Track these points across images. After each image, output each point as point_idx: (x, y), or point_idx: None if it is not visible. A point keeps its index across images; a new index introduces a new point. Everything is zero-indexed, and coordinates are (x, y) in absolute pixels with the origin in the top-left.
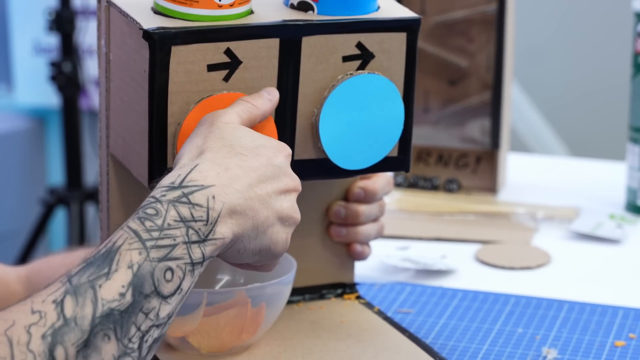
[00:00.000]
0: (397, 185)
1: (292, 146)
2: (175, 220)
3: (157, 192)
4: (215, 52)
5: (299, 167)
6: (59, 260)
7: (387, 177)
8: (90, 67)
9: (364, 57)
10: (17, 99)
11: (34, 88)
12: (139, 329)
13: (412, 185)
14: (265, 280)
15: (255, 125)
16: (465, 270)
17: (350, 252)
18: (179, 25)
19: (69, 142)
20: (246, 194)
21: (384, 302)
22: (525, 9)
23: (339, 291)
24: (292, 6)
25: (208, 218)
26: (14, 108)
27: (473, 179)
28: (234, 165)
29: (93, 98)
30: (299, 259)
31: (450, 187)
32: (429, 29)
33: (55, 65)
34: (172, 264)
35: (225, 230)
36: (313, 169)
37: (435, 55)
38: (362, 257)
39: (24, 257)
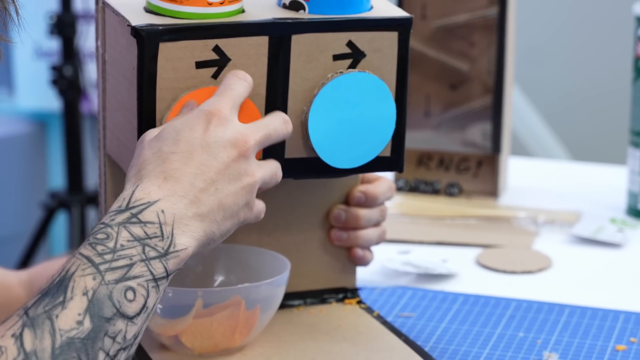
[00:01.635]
0: (398, 189)
1: (282, 145)
2: (129, 241)
3: (106, 218)
4: (203, 49)
5: (290, 166)
6: (61, 263)
7: (388, 182)
8: (92, 71)
9: (354, 56)
10: (18, 103)
11: (35, 92)
12: (107, 354)
13: (413, 189)
14: (259, 282)
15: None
16: (467, 275)
17: (352, 257)
18: (167, 22)
19: (70, 146)
20: (193, 196)
21: (385, 306)
22: (526, 14)
23: (340, 296)
24: (284, 5)
25: (163, 233)
26: (15, 112)
27: (474, 183)
28: (169, 170)
29: (94, 102)
30: (300, 263)
31: (451, 191)
32: (430, 33)
33: (56, 69)
34: (131, 283)
35: (185, 240)
36: (304, 167)
37: (436, 60)
38: (363, 262)
39: (25, 261)
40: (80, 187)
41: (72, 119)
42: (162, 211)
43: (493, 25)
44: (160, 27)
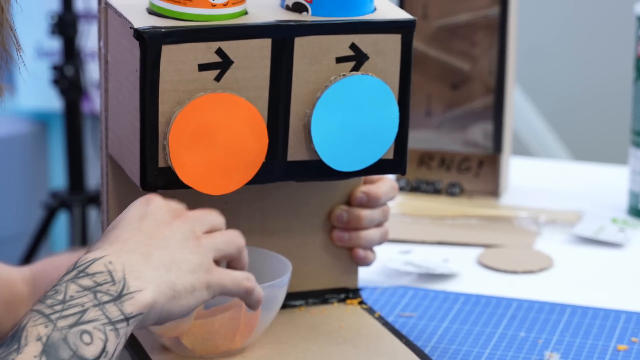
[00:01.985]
0: (400, 189)
1: (285, 147)
2: (78, 292)
3: (56, 282)
4: (206, 51)
5: (293, 168)
6: (63, 260)
7: (391, 182)
8: (93, 71)
9: (357, 59)
10: (19, 103)
11: (36, 92)
12: None
13: (415, 189)
14: (259, 283)
15: (245, 124)
16: (468, 274)
17: (353, 257)
18: (170, 24)
19: (71, 146)
20: (141, 250)
21: (386, 306)
22: (528, 14)
23: (342, 296)
24: (288, 7)
25: (113, 278)
26: (16, 112)
27: (475, 183)
28: (113, 237)
29: (95, 102)
30: (302, 263)
31: (452, 191)
32: (431, 32)
33: (57, 69)
34: (86, 327)
35: (140, 284)
36: (307, 170)
37: (438, 59)
38: (365, 262)
39: (26, 260)
40: (81, 187)
41: (73, 118)
42: (110, 262)
43: (494, 25)
44: (163, 30)
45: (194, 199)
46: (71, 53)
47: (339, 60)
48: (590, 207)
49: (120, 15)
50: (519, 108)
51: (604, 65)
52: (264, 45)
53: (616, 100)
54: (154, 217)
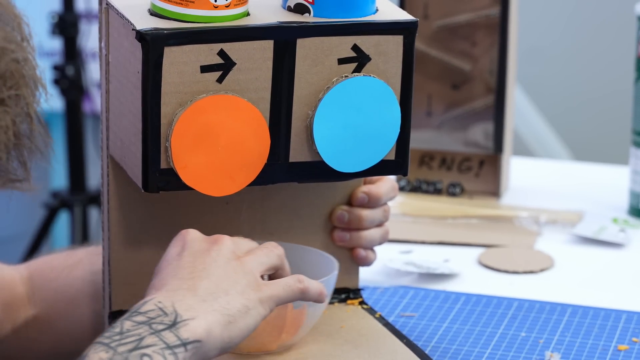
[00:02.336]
0: (400, 189)
1: (287, 148)
2: (133, 326)
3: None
4: (208, 53)
5: (295, 170)
6: (61, 260)
7: (391, 182)
8: (94, 71)
9: (359, 60)
10: None
11: None
12: None
13: (415, 189)
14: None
15: (248, 126)
16: (468, 274)
17: (354, 257)
18: (172, 26)
19: (72, 146)
20: (185, 286)
21: (387, 306)
22: (528, 14)
23: (343, 296)
24: (289, 8)
25: (165, 312)
26: None
27: (476, 183)
28: (156, 281)
29: (96, 102)
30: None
31: (453, 191)
32: (432, 32)
33: (58, 69)
34: (146, 350)
35: (192, 313)
36: (309, 171)
37: (439, 59)
38: (366, 262)
39: (27, 260)
40: (82, 187)
41: (74, 118)
42: (159, 302)
43: (495, 25)
44: (165, 31)
45: (195, 200)
46: (72, 53)
47: (341, 61)
48: (591, 207)
49: (121, 16)
50: (520, 108)
51: (605, 65)
52: (266, 47)
53: (617, 100)
54: (191, 249)
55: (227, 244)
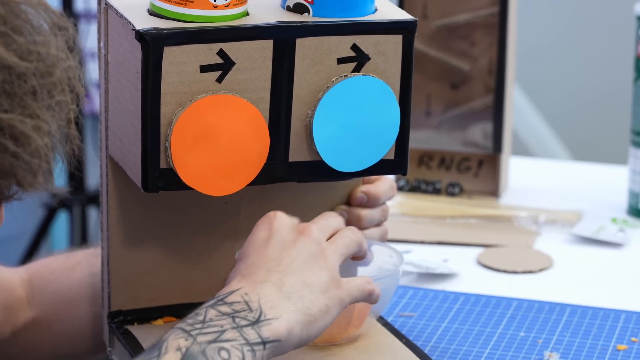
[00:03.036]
0: (399, 189)
1: (286, 148)
2: (217, 316)
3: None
4: (208, 53)
5: (294, 169)
6: (60, 263)
7: (390, 181)
8: (93, 71)
9: (359, 59)
10: None
11: None
12: None
13: (414, 189)
14: (371, 275)
15: (247, 126)
16: (467, 274)
17: (353, 257)
18: (171, 26)
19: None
20: (273, 279)
21: None
22: (527, 14)
23: None
24: (289, 8)
25: (250, 307)
26: None
27: (475, 183)
28: (245, 267)
29: (95, 101)
30: None
31: (452, 190)
32: (431, 32)
33: None
34: (225, 344)
35: (275, 313)
36: (308, 171)
37: (438, 59)
38: (364, 262)
39: (26, 260)
40: (82, 187)
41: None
42: (246, 294)
43: (494, 25)
44: (164, 31)
45: (195, 200)
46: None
47: (340, 61)
48: (590, 207)
49: (121, 16)
50: (519, 108)
51: (604, 65)
52: (266, 47)
53: (616, 100)
54: (279, 237)
55: (314, 235)
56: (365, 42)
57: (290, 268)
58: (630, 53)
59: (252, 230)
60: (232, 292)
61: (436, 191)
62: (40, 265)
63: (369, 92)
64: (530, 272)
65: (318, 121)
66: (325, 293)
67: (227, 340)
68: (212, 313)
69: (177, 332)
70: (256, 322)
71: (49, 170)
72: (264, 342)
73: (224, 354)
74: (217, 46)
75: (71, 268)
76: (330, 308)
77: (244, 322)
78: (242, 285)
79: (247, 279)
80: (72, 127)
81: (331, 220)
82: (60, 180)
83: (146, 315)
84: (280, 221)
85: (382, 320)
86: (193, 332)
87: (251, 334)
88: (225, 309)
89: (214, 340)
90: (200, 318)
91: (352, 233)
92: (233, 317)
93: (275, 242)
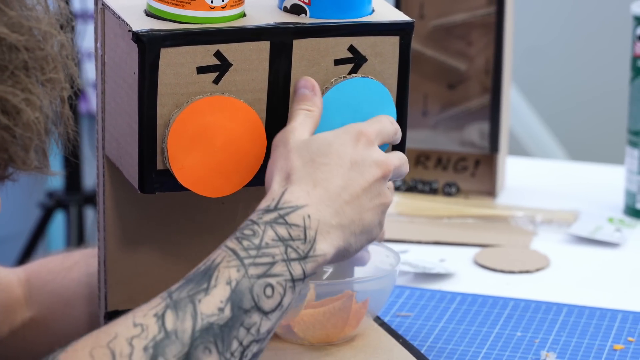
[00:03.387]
0: (396, 188)
1: None
2: (274, 240)
3: (254, 216)
4: (204, 54)
5: None
6: (57, 263)
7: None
8: (89, 71)
9: (356, 61)
10: None
11: None
12: (240, 343)
13: (411, 188)
14: (366, 276)
15: (244, 127)
16: (464, 274)
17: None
18: (168, 27)
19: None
20: (338, 206)
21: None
22: (524, 14)
23: None
24: (286, 9)
25: (306, 237)
26: None
27: (472, 183)
28: (320, 179)
29: (92, 101)
30: None
31: (449, 190)
32: (427, 32)
33: None
34: (271, 280)
35: (325, 247)
36: None
37: (434, 59)
38: (361, 262)
39: (23, 260)
40: (78, 187)
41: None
42: (309, 216)
43: (491, 25)
44: (161, 33)
45: (191, 201)
46: None
47: (337, 62)
48: (586, 207)
49: (117, 17)
50: (516, 108)
51: (601, 65)
52: (263, 48)
53: (613, 100)
54: (362, 168)
55: (388, 178)
56: (363, 44)
57: (357, 202)
58: (627, 53)
59: (334, 137)
60: (296, 209)
61: (433, 191)
62: (38, 265)
63: (366, 94)
64: (527, 272)
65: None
66: (369, 234)
67: (274, 275)
68: (269, 235)
69: (230, 257)
70: (304, 258)
71: (43, 150)
72: (305, 277)
73: (268, 291)
74: (213, 47)
75: (69, 268)
76: (362, 248)
77: (293, 255)
78: (308, 203)
79: (317, 192)
80: (66, 108)
81: (403, 159)
82: (55, 165)
83: None
84: (372, 150)
85: (378, 320)
86: (246, 261)
87: (297, 269)
88: (282, 231)
89: (264, 275)
90: (257, 242)
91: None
92: (286, 246)
93: (356, 172)
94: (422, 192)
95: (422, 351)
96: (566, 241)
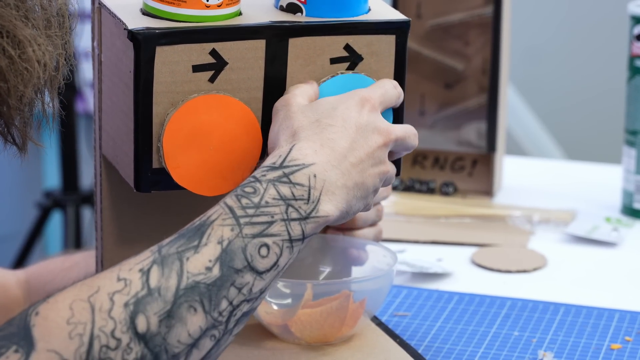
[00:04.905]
0: (393, 188)
1: None
2: (274, 199)
3: (257, 172)
4: (200, 52)
5: None
6: (58, 263)
7: None
8: (86, 70)
9: (352, 59)
10: None
11: None
12: (230, 303)
13: (408, 188)
14: (363, 275)
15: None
16: (461, 274)
17: (347, 257)
18: (164, 25)
19: (64, 146)
20: (344, 168)
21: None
22: (522, 13)
23: None
24: (282, 8)
25: (309, 197)
26: None
27: (469, 182)
28: (326, 139)
29: (89, 101)
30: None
31: (446, 190)
32: (425, 32)
33: None
34: (267, 240)
35: (329, 208)
36: None
37: (432, 59)
38: (358, 262)
39: (20, 260)
40: (75, 187)
41: (66, 118)
42: (314, 175)
43: (488, 24)
44: (157, 31)
45: (188, 199)
46: None
47: (333, 61)
48: (583, 206)
49: (114, 15)
50: (513, 107)
51: (598, 64)
52: (258, 47)
53: (610, 99)
54: (366, 133)
55: (389, 145)
56: (359, 42)
57: (361, 166)
58: (624, 52)
59: (343, 97)
60: (302, 168)
61: (430, 191)
62: (39, 266)
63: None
64: (524, 271)
65: None
66: (366, 199)
67: (271, 235)
68: (270, 194)
69: (226, 215)
70: (306, 218)
71: (32, 101)
72: (304, 238)
73: (263, 251)
74: (209, 46)
75: (68, 268)
76: (358, 212)
77: (294, 215)
78: (315, 161)
79: (324, 151)
80: (60, 76)
81: (410, 131)
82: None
83: None
84: (376, 116)
85: (376, 319)
86: (242, 220)
87: (296, 229)
88: (285, 190)
89: (259, 234)
90: (256, 200)
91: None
92: (287, 205)
93: (362, 137)
94: (419, 191)
95: (420, 351)
96: (563, 241)
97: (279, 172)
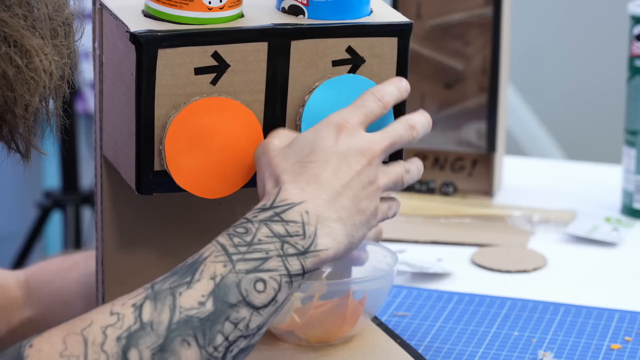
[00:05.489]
0: None
1: None
2: (268, 237)
3: (249, 214)
4: (202, 55)
5: None
6: (57, 264)
7: None
8: (86, 71)
9: (354, 62)
10: None
11: None
12: (226, 338)
13: (408, 188)
14: (364, 275)
15: (242, 128)
16: (461, 274)
17: (347, 257)
18: (166, 28)
19: (64, 146)
20: (335, 200)
21: None
22: (522, 14)
23: None
24: (284, 10)
25: (305, 232)
26: None
27: (469, 182)
28: (310, 176)
29: (89, 101)
30: None
31: (446, 190)
32: (425, 32)
33: None
34: (263, 275)
35: (327, 242)
36: None
37: (432, 59)
38: (359, 262)
39: (20, 260)
40: (75, 187)
41: (66, 118)
42: (307, 212)
43: (488, 24)
44: (159, 34)
45: (189, 201)
46: None
47: (336, 63)
48: (583, 206)
49: (115, 17)
50: (513, 107)
51: (598, 64)
52: (260, 49)
53: (610, 99)
54: (347, 158)
55: (375, 164)
56: (361, 45)
57: (351, 192)
58: (624, 52)
59: (319, 127)
60: (292, 206)
61: (430, 191)
62: (39, 267)
63: (358, 92)
64: (524, 271)
65: (306, 120)
66: (367, 223)
67: (267, 270)
68: (263, 232)
69: (218, 252)
70: (304, 253)
71: (37, 109)
72: (304, 273)
73: (259, 286)
74: (211, 48)
75: (68, 268)
76: (363, 238)
77: (291, 251)
78: (304, 199)
79: (311, 188)
80: (65, 84)
81: (398, 139)
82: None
83: None
84: (353, 139)
85: (376, 320)
86: (235, 257)
87: (295, 265)
88: (278, 228)
89: (254, 270)
90: (249, 238)
91: (405, 170)
92: (283, 242)
93: (343, 161)
94: (419, 191)
95: (420, 351)
96: (563, 241)
97: (270, 213)
